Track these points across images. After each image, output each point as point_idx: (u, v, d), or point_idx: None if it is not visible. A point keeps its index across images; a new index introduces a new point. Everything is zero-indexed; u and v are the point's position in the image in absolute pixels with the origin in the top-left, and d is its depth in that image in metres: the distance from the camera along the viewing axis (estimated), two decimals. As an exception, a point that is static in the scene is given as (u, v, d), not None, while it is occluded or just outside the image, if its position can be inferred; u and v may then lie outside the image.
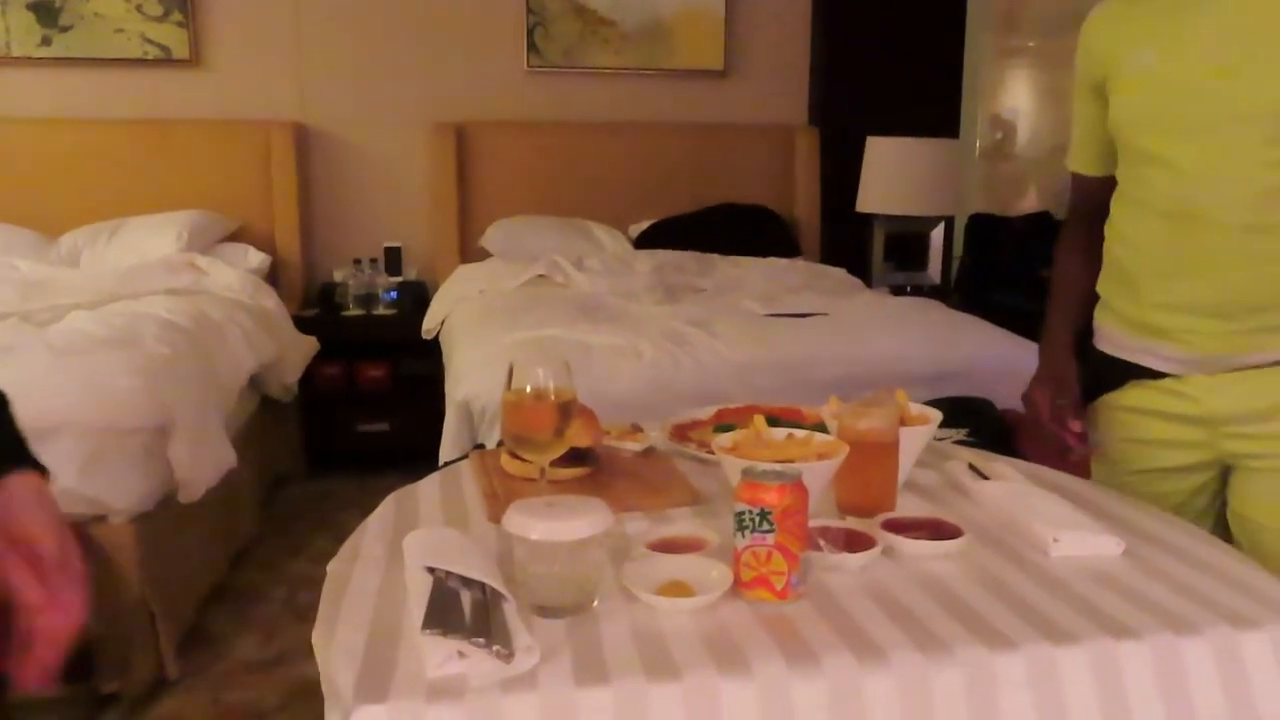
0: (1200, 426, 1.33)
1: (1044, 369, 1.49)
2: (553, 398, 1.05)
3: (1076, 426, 1.41)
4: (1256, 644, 0.91)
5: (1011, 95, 4.94)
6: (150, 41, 3.59)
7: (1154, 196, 1.29)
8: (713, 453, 1.19)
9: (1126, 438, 1.42)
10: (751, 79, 4.11)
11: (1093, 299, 1.45)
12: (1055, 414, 1.43)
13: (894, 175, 3.80)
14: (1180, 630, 0.91)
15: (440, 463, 2.27)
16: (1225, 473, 1.36)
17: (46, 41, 3.53)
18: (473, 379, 2.29)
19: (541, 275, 3.31)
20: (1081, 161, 1.47)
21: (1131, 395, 1.39)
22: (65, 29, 3.53)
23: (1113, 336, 1.41)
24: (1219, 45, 1.21)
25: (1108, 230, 1.38)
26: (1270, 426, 1.27)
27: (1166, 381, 1.34)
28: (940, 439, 2.11)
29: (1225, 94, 1.20)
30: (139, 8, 3.56)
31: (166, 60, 3.61)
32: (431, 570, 0.96)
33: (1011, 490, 1.22)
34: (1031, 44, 4.76)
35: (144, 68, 3.62)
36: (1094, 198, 1.44)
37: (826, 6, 4.04)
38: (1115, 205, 1.37)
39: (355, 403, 3.55)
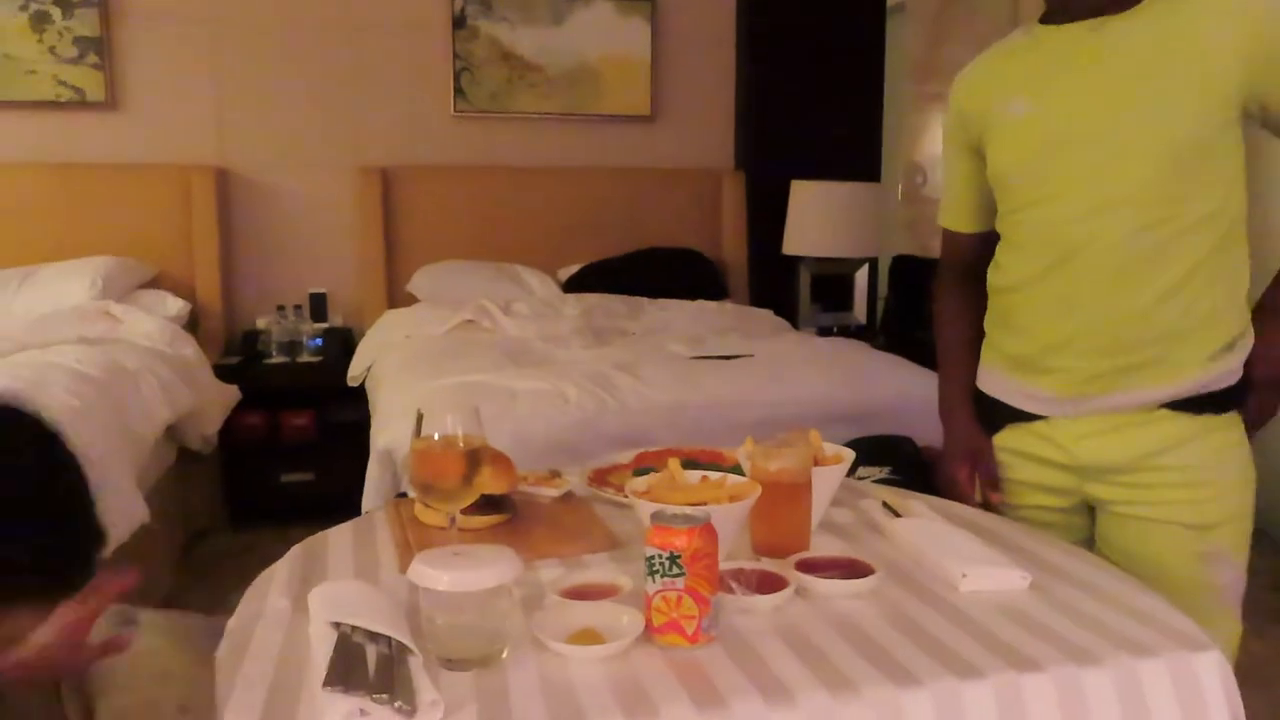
0: (1068, 472, 1.38)
1: (953, 443, 1.51)
2: (461, 445, 1.04)
3: (996, 498, 1.45)
4: (1155, 672, 0.93)
5: (930, 140, 5.09)
6: (64, 84, 3.51)
7: (1033, 239, 1.33)
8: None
9: (1004, 478, 1.46)
10: (678, 124, 4.17)
11: (979, 353, 1.48)
12: (978, 488, 1.46)
13: (818, 218, 3.88)
14: (1082, 661, 0.92)
15: (362, 513, 2.23)
16: (1093, 513, 1.40)
17: (-46, 84, 3.43)
18: (395, 427, 2.25)
19: (469, 320, 3.28)
20: (953, 219, 1.51)
21: (1008, 437, 1.44)
22: (-26, 72, 3.44)
23: (992, 376, 1.45)
24: (1091, 94, 1.26)
25: (991, 272, 1.42)
26: (1131, 477, 1.33)
27: (1038, 425, 1.39)
28: (863, 477, 2.14)
29: (1098, 141, 1.25)
30: (52, 49, 3.48)
31: (81, 103, 3.54)
32: (337, 625, 0.94)
33: (923, 527, 1.23)
34: (948, 90, 4.93)
35: (58, 110, 3.54)
36: (967, 253, 1.49)
37: (750, 54, 4.13)
38: (999, 249, 1.41)
39: (279, 453, 3.46)
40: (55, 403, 2.20)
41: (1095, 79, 1.25)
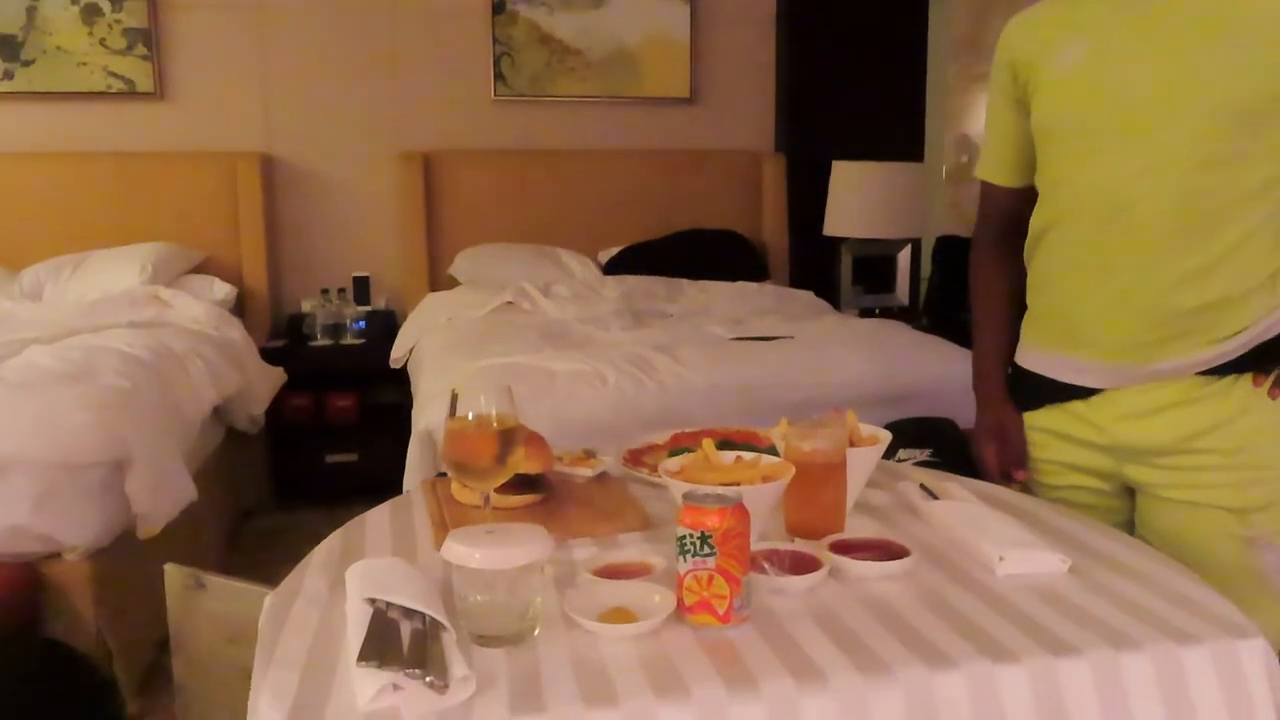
0: (1106, 454, 1.35)
1: (984, 420, 1.50)
2: (494, 425, 1.04)
3: (1020, 476, 1.44)
4: (1197, 658, 0.91)
5: (975, 118, 5.00)
6: (114, 75, 3.58)
7: (1080, 195, 1.27)
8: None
9: (1039, 458, 1.43)
10: (718, 106, 4.14)
11: (1017, 322, 1.45)
12: (1001, 467, 1.46)
13: (860, 199, 3.84)
14: (1120, 646, 0.91)
15: (404, 493, 2.25)
16: (1133, 495, 1.37)
17: (8, 75, 3.51)
18: (435, 408, 2.28)
19: (510, 302, 3.30)
20: (994, 171, 1.45)
21: (1043, 416, 1.41)
22: (27, 63, 3.52)
23: (1032, 348, 1.41)
24: (1150, 46, 1.21)
25: (1030, 238, 1.37)
26: (1170, 460, 1.29)
27: (1075, 406, 1.35)
28: (903, 459, 2.12)
29: (1153, 95, 1.19)
30: (102, 41, 3.55)
31: (131, 93, 3.61)
32: (372, 601, 0.95)
33: (960, 510, 1.22)
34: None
35: (108, 101, 3.61)
36: (1006, 210, 1.44)
37: (790, 34, 4.09)
38: (1038, 209, 1.35)
39: (323, 433, 3.52)
40: (105, 383, 2.26)
41: (1157, 31, 1.20)
